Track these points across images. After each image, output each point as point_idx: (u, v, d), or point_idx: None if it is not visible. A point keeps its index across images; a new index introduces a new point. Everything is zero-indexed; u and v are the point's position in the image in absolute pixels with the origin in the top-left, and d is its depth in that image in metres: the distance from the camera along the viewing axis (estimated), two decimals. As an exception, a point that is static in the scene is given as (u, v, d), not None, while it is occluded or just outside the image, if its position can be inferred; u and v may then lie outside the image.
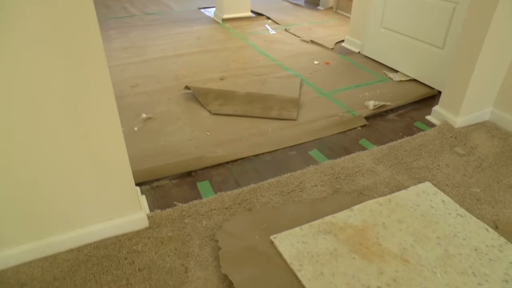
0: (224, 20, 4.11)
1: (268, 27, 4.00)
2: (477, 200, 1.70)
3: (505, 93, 2.21)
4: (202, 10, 4.69)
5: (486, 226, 1.54)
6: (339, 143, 2.13)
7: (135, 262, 1.37)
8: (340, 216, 1.57)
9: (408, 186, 1.76)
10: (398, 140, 2.12)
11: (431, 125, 2.29)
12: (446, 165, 1.92)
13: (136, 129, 2.18)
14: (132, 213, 1.48)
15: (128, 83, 2.74)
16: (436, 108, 2.33)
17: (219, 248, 1.40)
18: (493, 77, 2.17)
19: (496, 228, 1.55)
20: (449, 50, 2.51)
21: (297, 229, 1.49)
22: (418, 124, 2.31)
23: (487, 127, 2.22)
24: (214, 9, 4.52)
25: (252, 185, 1.74)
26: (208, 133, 2.15)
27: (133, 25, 4.12)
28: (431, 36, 2.62)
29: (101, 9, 4.80)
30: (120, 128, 1.29)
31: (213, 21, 4.23)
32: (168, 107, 2.42)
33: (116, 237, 1.46)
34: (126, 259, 1.38)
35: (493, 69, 2.13)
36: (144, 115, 2.30)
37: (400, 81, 2.82)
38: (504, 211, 1.65)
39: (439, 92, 2.37)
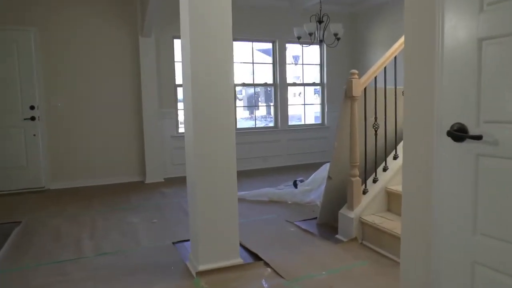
0: (200, 274, 2.73)
1: (265, 286, 2.61)
2: None
3: None
4: (177, 245, 3.41)
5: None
6: None
7: None
8: None
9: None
10: None
11: None
12: None
13: None
14: None
15: None
16: None
17: None
18: None
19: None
20: None
21: None
22: None
23: None
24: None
25: None
26: None
27: (72, 278, 2.78)
28: None
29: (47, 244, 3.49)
30: None
31: (185, 270, 2.87)
32: None
33: None
34: None
35: None
36: None
37: None
38: None
39: None
